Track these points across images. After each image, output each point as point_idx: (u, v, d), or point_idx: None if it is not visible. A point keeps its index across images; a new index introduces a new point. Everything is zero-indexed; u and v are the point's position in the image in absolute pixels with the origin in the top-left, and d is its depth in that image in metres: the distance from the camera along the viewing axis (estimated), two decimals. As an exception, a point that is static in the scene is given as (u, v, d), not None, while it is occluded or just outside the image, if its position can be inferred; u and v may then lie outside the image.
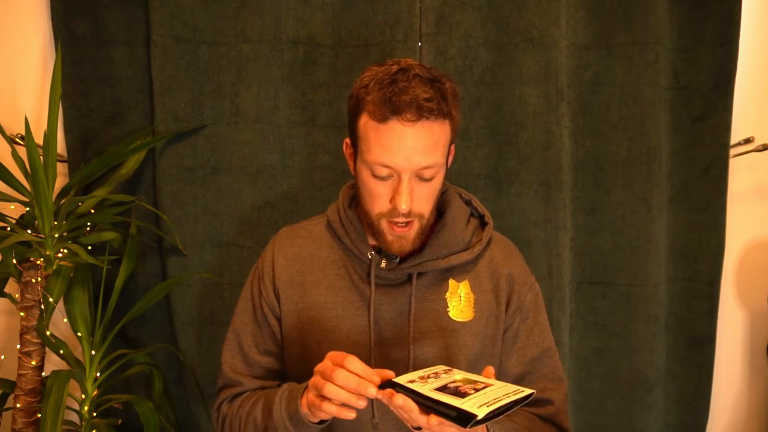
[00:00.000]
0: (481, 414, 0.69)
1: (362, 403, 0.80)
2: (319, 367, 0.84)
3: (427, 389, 0.76)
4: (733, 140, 1.58)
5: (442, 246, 1.00)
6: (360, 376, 0.79)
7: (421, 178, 0.91)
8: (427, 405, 0.75)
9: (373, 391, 0.78)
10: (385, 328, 0.99)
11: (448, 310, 1.00)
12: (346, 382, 0.79)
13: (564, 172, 1.51)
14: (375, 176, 0.92)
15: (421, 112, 0.87)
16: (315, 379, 0.85)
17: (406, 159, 0.88)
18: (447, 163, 0.99)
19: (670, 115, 1.59)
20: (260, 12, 1.47)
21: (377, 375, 0.80)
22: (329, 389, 0.80)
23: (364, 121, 0.91)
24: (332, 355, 0.84)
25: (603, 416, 1.62)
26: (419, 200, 0.93)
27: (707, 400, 1.63)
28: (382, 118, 0.88)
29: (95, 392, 1.41)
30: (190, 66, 1.47)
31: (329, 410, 0.81)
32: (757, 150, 1.60)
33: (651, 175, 1.54)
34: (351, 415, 0.81)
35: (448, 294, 1.00)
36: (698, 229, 1.60)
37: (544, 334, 1.05)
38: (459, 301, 1.00)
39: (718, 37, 1.54)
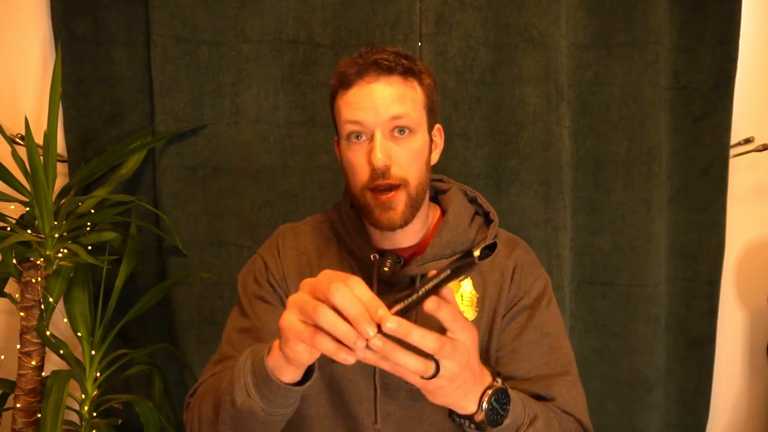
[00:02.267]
0: (477, 252, 0.63)
1: (361, 345, 0.59)
2: (310, 283, 0.65)
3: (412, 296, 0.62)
4: (733, 140, 1.58)
5: (445, 246, 0.98)
6: (365, 307, 0.60)
7: (396, 132, 0.90)
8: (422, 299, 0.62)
9: (372, 333, 0.59)
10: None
11: None
12: (349, 307, 0.59)
13: (564, 172, 1.51)
14: (350, 140, 0.91)
15: (380, 68, 0.89)
16: (301, 298, 0.63)
17: (374, 111, 0.88)
18: (433, 140, 0.97)
19: (670, 115, 1.59)
20: (260, 12, 1.47)
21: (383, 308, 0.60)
22: (324, 314, 0.59)
23: (337, 97, 0.93)
24: (327, 273, 0.65)
25: (603, 416, 1.61)
26: (399, 162, 0.90)
27: (707, 400, 1.63)
28: (348, 84, 0.90)
29: (95, 392, 1.41)
30: (190, 66, 1.47)
31: (323, 346, 0.60)
32: (757, 150, 1.60)
33: (651, 175, 1.54)
34: (349, 359, 0.60)
35: None
36: (698, 229, 1.60)
37: (545, 322, 0.99)
38: (461, 301, 0.98)
39: (718, 37, 1.54)
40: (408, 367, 0.61)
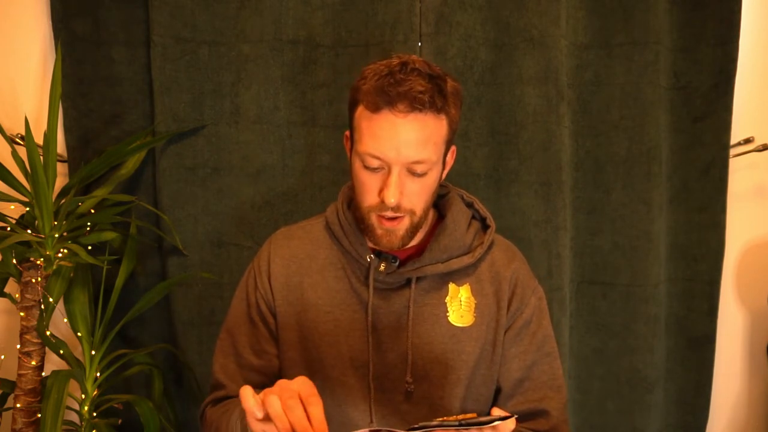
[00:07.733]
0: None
1: None
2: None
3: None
4: (733, 140, 1.58)
5: (443, 250, 0.98)
6: None
7: (413, 173, 0.90)
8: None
9: None
10: (383, 333, 0.97)
11: (447, 314, 0.98)
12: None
13: (564, 172, 1.51)
14: (366, 167, 0.91)
15: (413, 104, 0.86)
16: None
17: (396, 151, 0.87)
18: (445, 163, 0.97)
19: (670, 115, 1.59)
20: (260, 12, 1.47)
21: None
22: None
23: (360, 111, 0.91)
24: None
25: (603, 416, 1.62)
26: (410, 196, 0.91)
27: (707, 400, 1.63)
28: (375, 108, 0.88)
29: (95, 392, 1.41)
30: (190, 66, 1.47)
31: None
32: (757, 150, 1.60)
33: (651, 175, 1.54)
34: None
35: (448, 298, 0.99)
36: (698, 229, 1.60)
37: (546, 339, 1.03)
38: (459, 306, 0.98)
39: (718, 37, 1.54)
40: None
